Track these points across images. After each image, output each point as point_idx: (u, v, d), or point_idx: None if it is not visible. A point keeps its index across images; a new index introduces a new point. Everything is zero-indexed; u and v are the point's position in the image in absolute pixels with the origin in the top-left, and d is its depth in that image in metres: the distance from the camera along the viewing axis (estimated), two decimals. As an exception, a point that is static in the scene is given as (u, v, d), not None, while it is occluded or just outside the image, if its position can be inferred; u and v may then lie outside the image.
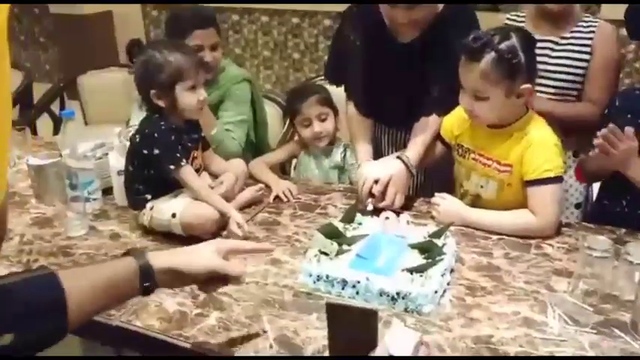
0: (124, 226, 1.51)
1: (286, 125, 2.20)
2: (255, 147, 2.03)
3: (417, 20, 1.51)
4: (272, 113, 2.23)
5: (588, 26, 1.72)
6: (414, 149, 1.58)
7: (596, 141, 1.36)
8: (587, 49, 1.70)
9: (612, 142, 1.34)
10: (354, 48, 1.64)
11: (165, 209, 1.43)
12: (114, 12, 4.57)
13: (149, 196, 1.47)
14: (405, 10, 1.46)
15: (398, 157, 1.56)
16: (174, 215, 1.40)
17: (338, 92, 1.83)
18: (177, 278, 0.89)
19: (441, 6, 1.55)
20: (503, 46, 1.32)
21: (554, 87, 1.73)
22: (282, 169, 2.03)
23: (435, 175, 1.74)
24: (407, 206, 1.56)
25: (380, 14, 1.58)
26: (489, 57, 1.32)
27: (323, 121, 1.78)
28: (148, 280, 0.84)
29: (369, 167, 1.57)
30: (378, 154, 1.70)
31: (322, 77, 1.92)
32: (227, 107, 1.87)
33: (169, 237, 1.41)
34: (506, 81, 1.34)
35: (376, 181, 1.51)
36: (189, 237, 1.37)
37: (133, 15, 4.36)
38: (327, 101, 1.81)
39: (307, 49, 3.67)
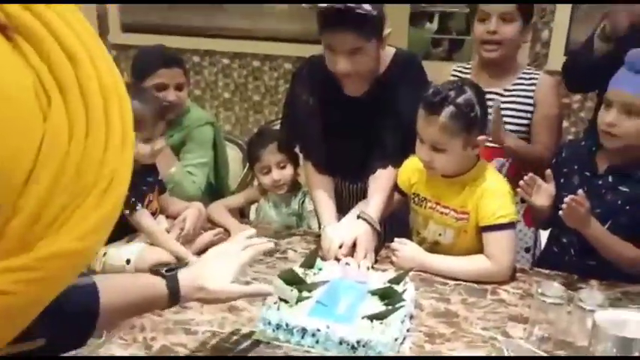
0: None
1: (246, 168, 2.19)
2: (214, 189, 2.01)
3: (361, 72, 1.50)
4: (232, 155, 2.23)
5: (530, 78, 1.77)
6: (375, 205, 1.56)
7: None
8: (530, 101, 1.75)
9: (574, 208, 1.32)
10: (307, 107, 1.64)
11: (120, 255, 1.38)
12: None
13: (102, 241, 1.42)
14: (346, 58, 1.45)
15: (360, 217, 1.53)
16: (128, 261, 1.36)
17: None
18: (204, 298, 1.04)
19: (388, 59, 1.58)
20: (461, 99, 1.36)
21: None
22: (241, 213, 2.01)
23: (392, 221, 1.74)
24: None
25: (329, 71, 1.55)
26: (448, 110, 1.35)
27: (282, 168, 1.77)
28: (177, 302, 0.98)
29: (334, 231, 1.53)
30: (339, 208, 1.67)
31: (281, 120, 1.92)
32: (189, 149, 1.86)
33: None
34: (464, 133, 1.38)
35: (341, 245, 1.48)
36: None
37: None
38: (287, 148, 1.81)
39: (267, 92, 3.71)
